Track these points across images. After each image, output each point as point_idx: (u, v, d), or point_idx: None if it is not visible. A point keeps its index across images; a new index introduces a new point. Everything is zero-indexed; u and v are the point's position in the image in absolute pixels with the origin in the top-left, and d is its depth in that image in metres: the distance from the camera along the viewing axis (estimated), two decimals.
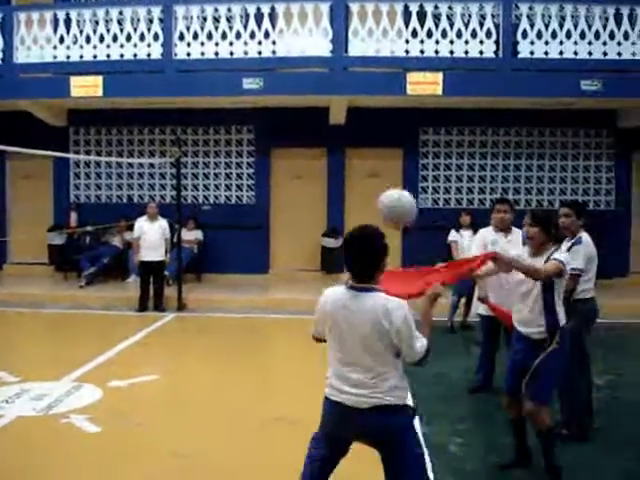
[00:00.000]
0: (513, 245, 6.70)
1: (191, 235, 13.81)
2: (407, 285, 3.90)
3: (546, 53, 12.28)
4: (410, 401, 3.58)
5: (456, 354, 8.29)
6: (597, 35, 12.24)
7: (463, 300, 10.04)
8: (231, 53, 12.66)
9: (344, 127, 13.78)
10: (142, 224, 11.53)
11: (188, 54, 12.73)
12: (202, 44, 12.69)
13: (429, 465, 4.95)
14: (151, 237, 11.42)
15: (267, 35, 12.56)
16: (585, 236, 5.60)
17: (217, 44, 12.66)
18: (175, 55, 12.76)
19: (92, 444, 5.48)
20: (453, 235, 10.36)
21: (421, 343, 3.42)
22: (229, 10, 12.64)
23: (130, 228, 12.42)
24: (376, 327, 3.37)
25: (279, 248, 14.53)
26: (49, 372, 7.52)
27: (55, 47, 12.99)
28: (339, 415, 3.49)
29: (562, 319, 4.63)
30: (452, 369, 7.58)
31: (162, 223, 11.57)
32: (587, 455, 5.27)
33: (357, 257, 3.47)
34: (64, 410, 6.22)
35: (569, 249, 5.53)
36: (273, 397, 6.86)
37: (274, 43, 12.56)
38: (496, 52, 12.36)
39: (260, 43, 12.58)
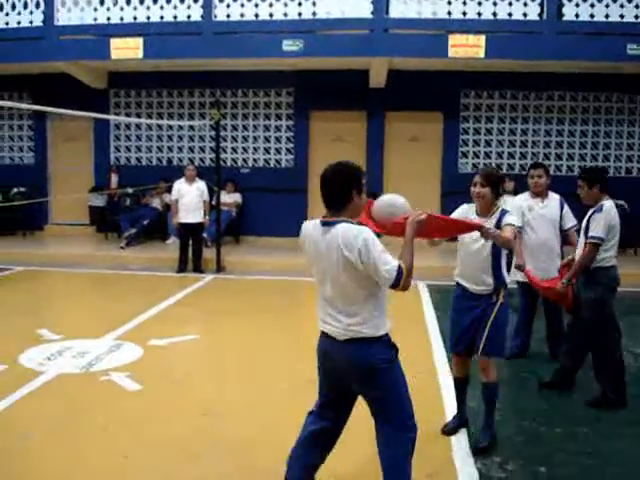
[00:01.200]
0: (549, 210, 6.65)
1: (230, 198, 13.87)
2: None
3: (592, 16, 12.00)
4: (387, 332, 3.58)
5: None
6: None
7: None
8: (270, 15, 12.59)
9: (384, 90, 13.66)
10: (180, 186, 11.58)
11: (228, 16, 12.69)
12: (242, 5, 12.64)
13: (464, 431, 4.98)
14: (189, 199, 11.46)
15: None
16: (607, 204, 5.47)
17: (257, 5, 12.60)
18: (215, 17, 12.72)
19: (131, 401, 5.59)
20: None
21: (389, 266, 3.35)
22: None
23: (169, 190, 12.49)
24: (339, 258, 3.43)
25: (317, 212, 14.47)
26: (90, 330, 7.66)
27: (95, 9, 13.04)
28: (325, 344, 3.66)
29: (507, 277, 4.69)
30: None
31: (200, 185, 11.60)
32: (621, 424, 5.24)
33: (325, 189, 3.58)
34: (105, 368, 6.34)
35: (590, 217, 5.48)
36: (307, 359, 6.90)
37: (314, 4, 12.45)
38: (540, 14, 12.13)
39: (300, 4, 12.48)
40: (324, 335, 3.66)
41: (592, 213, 5.48)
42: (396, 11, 12.25)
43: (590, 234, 5.42)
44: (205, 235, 12.09)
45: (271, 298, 10.00)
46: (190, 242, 11.59)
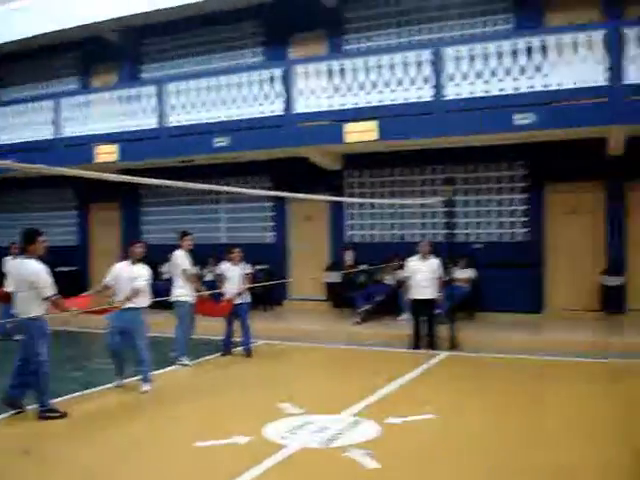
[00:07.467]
0: None
1: (464, 273, 13.72)
2: None
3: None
4: None
5: None
6: None
7: None
8: (501, 89, 12.54)
9: (623, 158, 13.01)
10: (413, 263, 11.65)
11: (457, 94, 12.79)
12: (471, 84, 12.71)
13: None
14: (422, 276, 11.48)
15: (539, 69, 12.28)
16: None
17: (487, 82, 12.61)
18: (444, 97, 12.87)
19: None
20: None
21: None
22: (499, 47, 12.58)
23: (402, 267, 12.60)
24: None
25: (555, 286, 14.02)
26: (329, 406, 7.81)
27: (330, 96, 13.72)
28: None
29: None
30: None
31: (433, 262, 11.59)
32: None
33: None
34: (345, 444, 6.39)
35: None
36: (546, 445, 6.54)
37: (545, 76, 12.24)
38: None
39: (531, 78, 12.33)
40: None
41: None
42: (633, 76, 11.69)
43: None
44: (438, 311, 12.02)
45: (506, 377, 9.67)
46: (423, 318, 11.57)
